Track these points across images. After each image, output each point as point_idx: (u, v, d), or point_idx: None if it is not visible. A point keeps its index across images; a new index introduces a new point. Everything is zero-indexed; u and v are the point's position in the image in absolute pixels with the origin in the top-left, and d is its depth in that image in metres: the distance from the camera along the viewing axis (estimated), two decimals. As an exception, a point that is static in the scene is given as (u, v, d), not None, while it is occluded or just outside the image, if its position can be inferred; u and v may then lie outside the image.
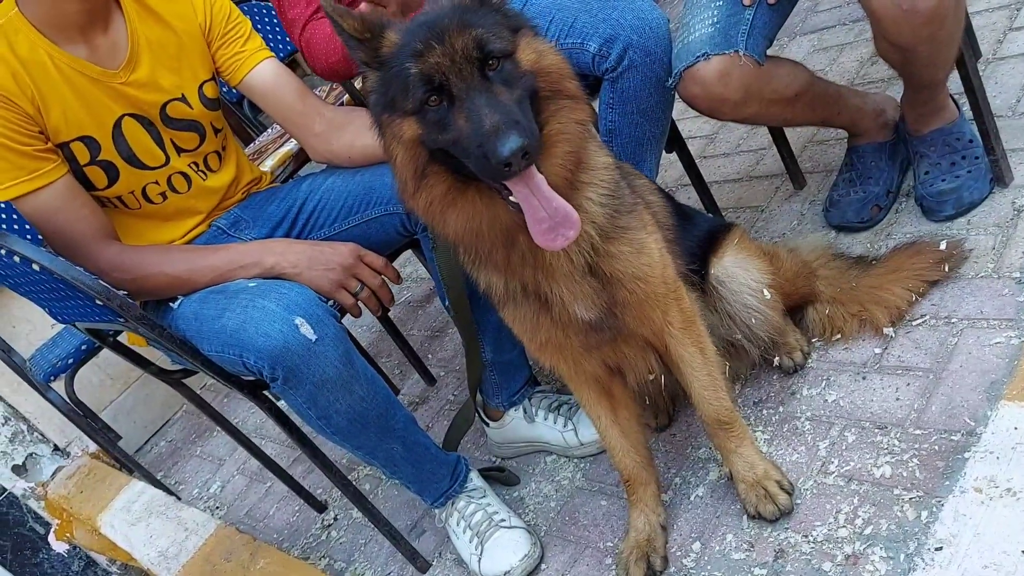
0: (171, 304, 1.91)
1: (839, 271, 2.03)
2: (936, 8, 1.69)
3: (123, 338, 2.23)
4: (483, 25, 1.31)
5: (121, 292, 1.76)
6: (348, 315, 1.97)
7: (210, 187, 2.11)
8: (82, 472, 3.52)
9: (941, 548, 1.47)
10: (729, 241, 1.91)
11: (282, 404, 1.95)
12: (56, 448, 3.66)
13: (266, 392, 1.94)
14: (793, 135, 2.56)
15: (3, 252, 1.70)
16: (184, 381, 2.33)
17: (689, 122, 3.22)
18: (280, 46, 3.21)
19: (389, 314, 2.86)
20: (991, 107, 2.03)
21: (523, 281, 1.52)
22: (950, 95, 2.15)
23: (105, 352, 3.47)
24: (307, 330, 1.67)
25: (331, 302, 1.89)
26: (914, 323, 1.91)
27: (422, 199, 1.40)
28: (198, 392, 2.73)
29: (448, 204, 1.39)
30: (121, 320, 1.79)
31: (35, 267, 1.67)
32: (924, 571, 1.46)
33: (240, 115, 3.34)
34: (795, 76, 2.09)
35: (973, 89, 1.97)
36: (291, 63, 3.30)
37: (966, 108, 2.13)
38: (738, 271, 1.89)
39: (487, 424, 2.28)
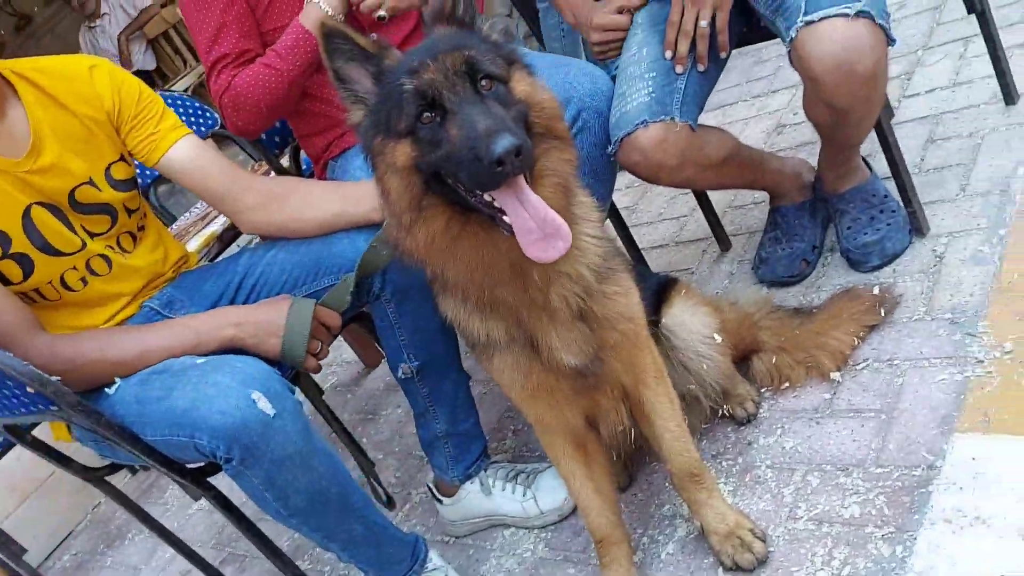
0: (106, 390, 1.78)
1: (781, 321, 2.09)
2: (872, 70, 1.81)
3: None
4: (477, 49, 1.33)
5: (54, 378, 1.64)
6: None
7: (133, 266, 2.01)
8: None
9: (922, 580, 1.49)
10: (677, 292, 1.95)
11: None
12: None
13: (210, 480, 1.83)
14: (714, 200, 2.66)
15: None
16: (107, 478, 2.17)
17: (610, 194, 3.31)
18: (201, 122, 3.14)
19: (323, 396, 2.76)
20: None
21: (525, 324, 1.50)
22: (862, 157, 2.29)
23: (3, 461, 3.23)
24: (265, 405, 1.59)
25: (284, 371, 1.82)
26: (858, 367, 1.98)
27: (421, 234, 1.37)
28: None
29: (453, 239, 1.37)
30: (54, 408, 1.66)
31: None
32: (910, 604, 1.48)
33: (149, 203, 3.24)
34: (724, 142, 2.19)
35: (890, 146, 2.11)
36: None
37: (880, 166, 2.27)
38: (688, 318, 1.92)
39: (440, 501, 2.20)
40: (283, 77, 2.07)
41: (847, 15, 1.76)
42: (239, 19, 2.10)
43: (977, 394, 1.74)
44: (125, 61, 7.98)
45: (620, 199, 3.30)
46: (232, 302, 2.02)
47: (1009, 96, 2.43)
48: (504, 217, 1.29)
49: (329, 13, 2.02)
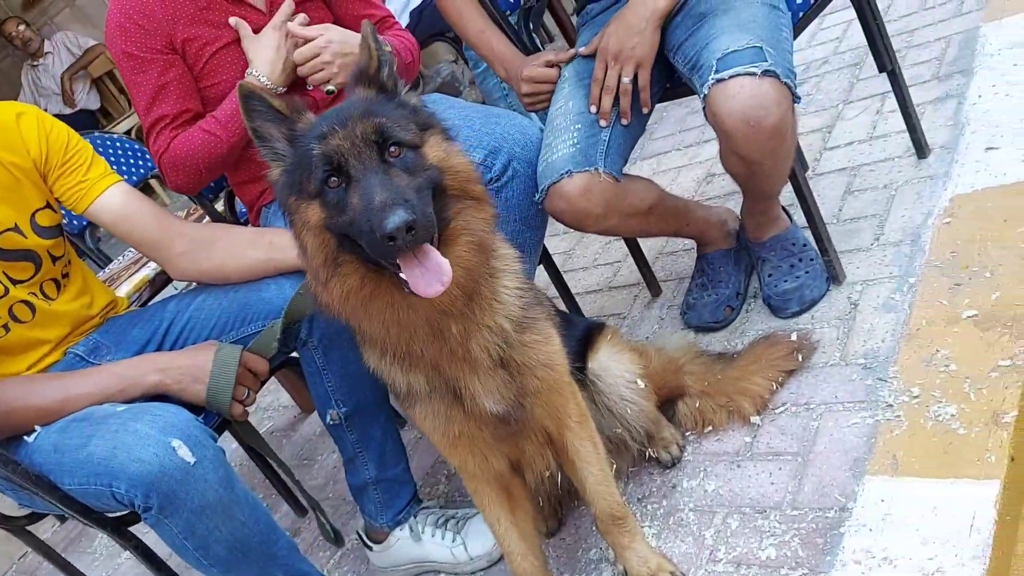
0: (25, 438, 1.76)
1: (704, 366, 2.15)
2: (778, 125, 1.89)
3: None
4: (389, 116, 1.37)
5: (-31, 428, 1.61)
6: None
7: (57, 312, 1.99)
8: None
9: (832, 620, 1.53)
10: (603, 338, 1.99)
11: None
12: None
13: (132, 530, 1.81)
14: (646, 247, 2.73)
15: None
16: (28, 528, 2.11)
17: (548, 240, 3.36)
18: (133, 170, 3.13)
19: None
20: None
21: (446, 375, 1.52)
22: (782, 207, 2.38)
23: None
24: (185, 453, 1.58)
25: (211, 417, 1.81)
26: (777, 411, 2.04)
27: (336, 290, 1.40)
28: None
29: (367, 297, 1.40)
30: (-32, 457, 1.63)
31: None
32: (820, 645, 1.51)
33: (83, 247, 3.21)
34: (648, 191, 2.26)
35: (805, 198, 2.20)
36: (145, 187, 3.24)
37: (798, 216, 2.36)
38: (612, 364, 1.97)
39: (370, 548, 2.19)
40: (221, 144, 2.09)
41: (754, 74, 1.85)
42: (178, 80, 2.11)
43: (887, 437, 1.81)
44: (68, 100, 7.92)
45: (557, 244, 3.37)
46: (159, 348, 2.01)
47: (921, 150, 2.55)
48: (401, 274, 1.33)
49: (269, 85, 2.05)
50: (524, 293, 1.58)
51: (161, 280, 2.67)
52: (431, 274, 1.31)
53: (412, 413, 1.62)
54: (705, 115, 1.97)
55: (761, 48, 1.87)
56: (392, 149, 1.34)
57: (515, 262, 1.59)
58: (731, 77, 1.86)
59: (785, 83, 1.87)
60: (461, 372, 1.52)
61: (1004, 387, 1.75)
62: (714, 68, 1.89)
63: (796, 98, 1.92)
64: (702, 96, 1.92)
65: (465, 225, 1.42)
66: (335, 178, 1.34)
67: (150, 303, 2.51)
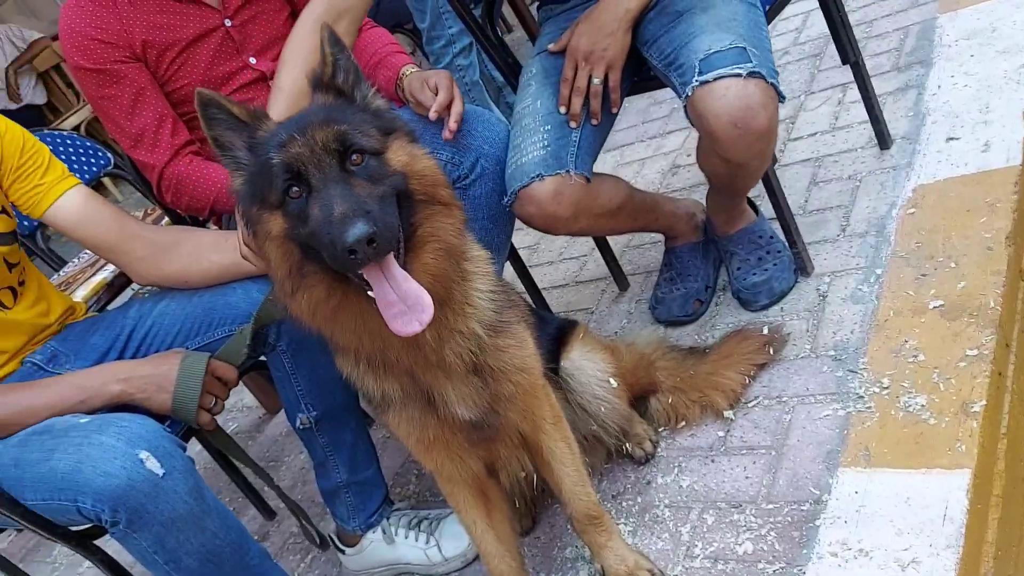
0: (-18, 452, 1.69)
1: (676, 361, 2.15)
2: (767, 126, 1.89)
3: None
4: (350, 122, 1.33)
5: (-77, 443, 1.55)
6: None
7: (14, 321, 1.92)
8: None
9: (811, 614, 1.54)
10: (575, 336, 1.98)
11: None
12: None
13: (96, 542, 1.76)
14: (612, 241, 2.72)
15: None
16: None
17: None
18: (86, 168, 3.04)
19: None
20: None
21: (420, 381, 1.50)
22: (748, 199, 2.39)
23: None
24: (153, 464, 1.53)
25: (178, 425, 1.76)
26: (750, 404, 2.05)
27: (304, 302, 1.37)
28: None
29: (336, 308, 1.37)
30: (-77, 474, 1.57)
31: None
32: (800, 639, 1.52)
33: (33, 247, 3.11)
34: (617, 190, 2.25)
35: (774, 191, 2.21)
36: (98, 185, 3.15)
37: (765, 208, 2.37)
38: (585, 363, 1.96)
39: (343, 552, 2.16)
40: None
41: (740, 75, 1.83)
42: (151, 85, 2.07)
43: (858, 429, 1.82)
44: (13, 95, 7.69)
45: (522, 239, 3.34)
46: (121, 356, 1.94)
47: (883, 141, 2.58)
48: (369, 292, 1.30)
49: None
50: (497, 296, 1.56)
51: (120, 283, 2.59)
52: (410, 313, 1.28)
53: (386, 419, 1.60)
54: (687, 116, 1.95)
55: (745, 48, 1.86)
56: (354, 157, 1.31)
57: (487, 264, 1.57)
58: (716, 79, 1.84)
59: (771, 83, 1.86)
60: (435, 379, 1.50)
61: (972, 377, 1.77)
62: (697, 69, 1.87)
63: (781, 98, 1.91)
64: (684, 96, 1.90)
65: (433, 231, 1.39)
66: (296, 188, 1.30)
67: (109, 307, 2.44)
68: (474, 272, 1.52)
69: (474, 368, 1.52)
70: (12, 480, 1.63)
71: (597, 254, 2.75)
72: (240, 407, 3.42)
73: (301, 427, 1.99)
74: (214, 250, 1.91)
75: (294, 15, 2.19)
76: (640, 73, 2.26)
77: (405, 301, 1.29)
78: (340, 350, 1.54)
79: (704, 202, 2.51)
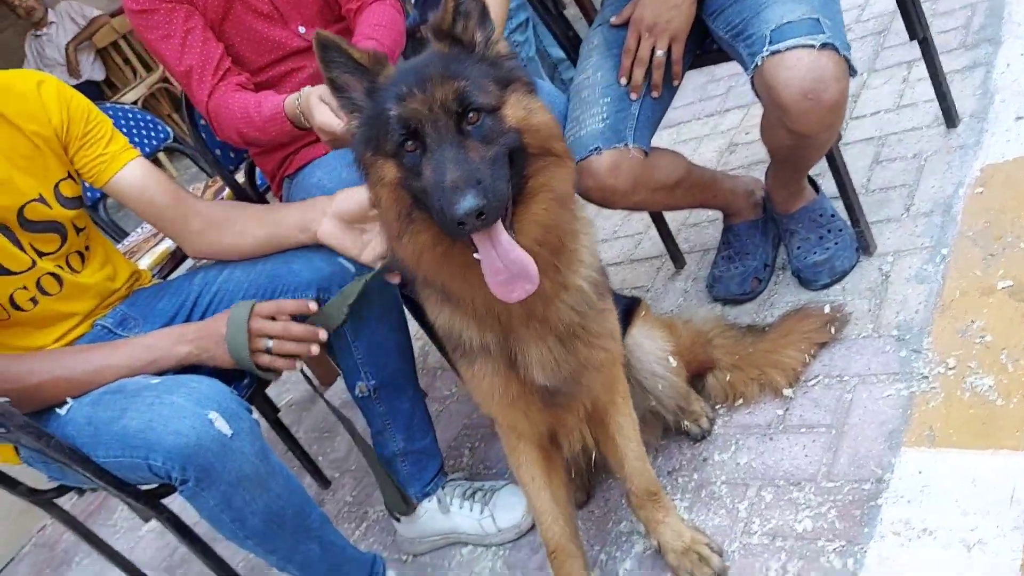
0: (57, 410, 1.75)
1: (734, 339, 2.13)
2: (837, 99, 1.85)
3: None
4: (469, 77, 1.32)
5: (2, 399, 1.60)
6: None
7: (84, 283, 1.97)
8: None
9: (873, 592, 1.53)
10: (637, 314, 1.97)
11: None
12: None
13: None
14: (669, 218, 2.70)
15: None
16: (55, 501, 2.11)
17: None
18: (145, 142, 3.10)
19: (278, 415, 2.74)
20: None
21: (511, 336, 1.49)
22: (809, 176, 2.35)
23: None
24: (222, 424, 1.58)
25: (245, 381, 1.79)
26: (810, 383, 2.02)
27: (410, 246, 1.38)
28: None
29: (442, 255, 1.37)
30: (1, 431, 1.62)
31: None
32: (861, 616, 1.51)
33: (96, 219, 3.19)
34: (675, 165, 2.23)
35: (838, 168, 2.17)
36: (154, 160, 3.21)
37: (829, 186, 2.33)
38: (645, 341, 1.95)
39: (398, 520, 2.19)
40: (254, 127, 2.10)
41: (812, 47, 1.80)
42: (201, 28, 2.12)
43: (922, 409, 1.79)
44: (73, 71, 7.84)
45: (576, 216, 3.33)
46: (188, 320, 1.99)
47: (950, 119, 2.52)
48: (475, 255, 1.31)
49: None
50: (597, 259, 1.56)
51: (182, 253, 2.65)
52: (516, 280, 1.29)
53: (468, 371, 1.59)
54: (753, 87, 1.92)
55: (819, 20, 1.83)
56: (470, 115, 1.30)
57: (590, 226, 1.56)
58: (788, 49, 1.81)
59: (843, 56, 1.83)
60: (527, 336, 1.49)
61: (1043, 358, 1.74)
62: (768, 39, 1.84)
63: (853, 71, 1.88)
64: (751, 67, 1.88)
65: (546, 182, 1.37)
66: (411, 142, 1.30)
67: (173, 275, 2.49)
68: (583, 232, 1.52)
69: (565, 334, 1.51)
70: (86, 437, 1.68)
71: (653, 232, 2.73)
72: (295, 378, 3.47)
73: (360, 395, 2.02)
74: (257, 224, 1.96)
75: None
76: (703, 46, 2.23)
77: (511, 269, 1.29)
78: (441, 298, 1.52)
79: (763, 180, 2.48)
